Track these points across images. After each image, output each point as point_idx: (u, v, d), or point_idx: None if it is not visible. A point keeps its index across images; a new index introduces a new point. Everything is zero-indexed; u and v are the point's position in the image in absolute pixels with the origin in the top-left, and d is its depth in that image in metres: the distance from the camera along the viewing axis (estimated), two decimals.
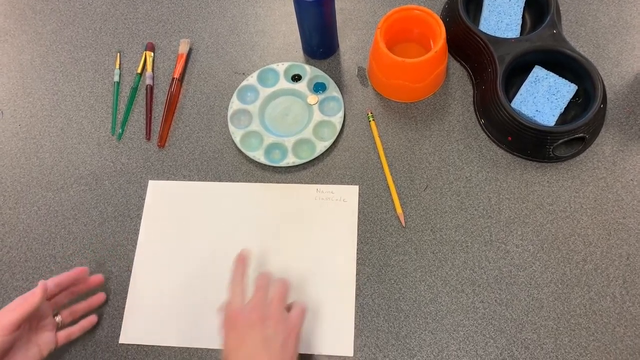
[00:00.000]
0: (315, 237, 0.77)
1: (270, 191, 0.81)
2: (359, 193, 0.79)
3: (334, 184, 0.80)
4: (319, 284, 0.75)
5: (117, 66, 0.91)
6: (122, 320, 0.75)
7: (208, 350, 0.72)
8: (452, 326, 0.71)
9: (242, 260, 0.68)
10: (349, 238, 0.77)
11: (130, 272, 0.77)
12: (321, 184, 0.80)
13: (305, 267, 0.76)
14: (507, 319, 0.71)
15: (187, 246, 0.79)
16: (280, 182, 0.81)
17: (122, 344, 0.73)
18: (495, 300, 0.72)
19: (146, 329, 0.74)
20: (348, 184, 0.80)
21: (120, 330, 0.74)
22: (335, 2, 0.81)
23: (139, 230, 0.80)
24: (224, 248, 0.77)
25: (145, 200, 0.82)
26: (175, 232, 0.80)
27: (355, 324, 0.72)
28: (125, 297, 0.76)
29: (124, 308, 0.75)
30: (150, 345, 0.73)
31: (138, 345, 0.73)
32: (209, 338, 0.73)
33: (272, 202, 0.80)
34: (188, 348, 0.73)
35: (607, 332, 0.69)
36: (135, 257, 0.78)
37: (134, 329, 0.74)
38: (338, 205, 0.79)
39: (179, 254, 0.78)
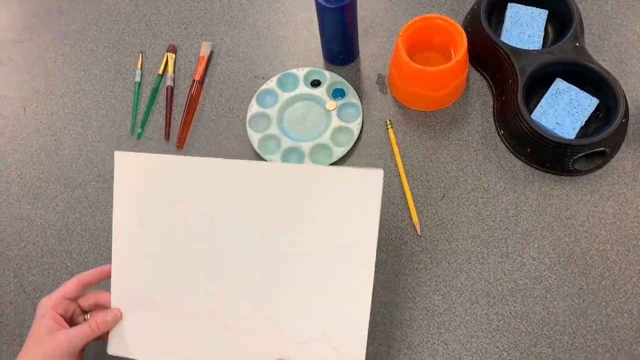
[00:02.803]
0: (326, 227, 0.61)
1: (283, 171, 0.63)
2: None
3: None
4: (329, 280, 0.61)
5: (139, 67, 0.92)
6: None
7: None
8: (466, 337, 0.70)
9: None
10: (368, 232, 0.60)
11: None
12: None
13: (314, 257, 0.61)
14: (522, 332, 0.70)
15: (171, 243, 0.65)
16: None
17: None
18: (510, 313, 0.71)
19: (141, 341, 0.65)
20: None
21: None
22: (357, 9, 0.81)
23: None
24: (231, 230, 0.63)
25: (114, 180, 0.66)
26: (154, 224, 0.65)
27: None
28: None
29: None
30: None
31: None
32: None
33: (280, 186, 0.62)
34: None
35: (624, 350, 0.68)
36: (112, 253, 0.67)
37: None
38: (356, 191, 0.60)
39: (160, 254, 0.65)
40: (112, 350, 0.66)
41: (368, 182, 0.60)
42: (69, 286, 0.63)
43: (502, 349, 0.69)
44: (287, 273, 0.62)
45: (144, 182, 0.65)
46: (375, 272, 0.73)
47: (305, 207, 0.62)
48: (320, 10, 0.78)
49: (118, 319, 0.65)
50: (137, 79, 0.91)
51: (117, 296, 0.65)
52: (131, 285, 0.65)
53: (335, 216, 0.61)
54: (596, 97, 0.79)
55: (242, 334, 0.63)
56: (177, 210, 0.65)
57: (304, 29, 0.93)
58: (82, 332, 0.61)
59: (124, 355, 0.66)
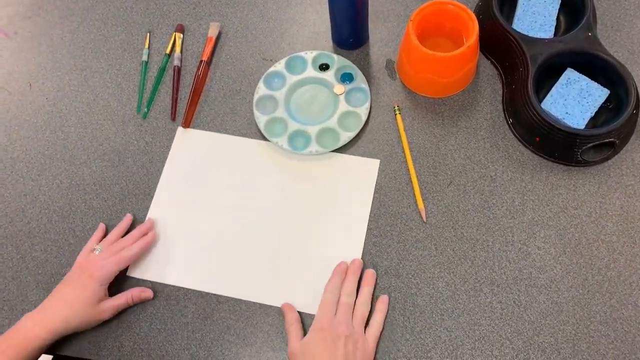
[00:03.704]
0: (327, 201, 0.79)
1: (292, 153, 0.82)
2: (380, 178, 0.79)
3: None
4: (325, 249, 0.76)
5: (146, 46, 0.91)
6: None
7: (216, 295, 0.74)
8: (469, 325, 0.70)
9: (291, 308, 0.72)
10: (362, 208, 0.78)
11: None
12: None
13: (309, 232, 0.78)
14: (525, 321, 0.70)
15: (205, 195, 0.80)
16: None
17: (131, 276, 0.76)
18: (514, 302, 0.71)
19: (156, 266, 0.76)
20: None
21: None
22: None
23: None
24: (239, 202, 0.80)
25: (172, 145, 0.84)
26: (196, 179, 0.82)
27: None
28: None
29: None
30: (158, 283, 0.75)
31: (146, 280, 0.75)
32: (214, 283, 0.75)
33: (291, 163, 0.82)
34: (198, 291, 0.75)
35: (627, 341, 0.68)
36: (153, 198, 0.81)
37: (145, 265, 0.76)
38: (357, 175, 0.80)
39: (196, 201, 0.80)
40: (131, 272, 0.76)
41: (368, 167, 0.80)
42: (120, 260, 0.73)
43: (504, 337, 0.69)
44: (303, 221, 0.78)
45: (193, 148, 0.84)
46: (379, 257, 0.74)
47: (321, 179, 0.80)
48: None
49: (151, 296, 0.74)
50: (144, 58, 0.90)
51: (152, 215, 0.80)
52: (162, 221, 0.79)
53: (344, 184, 0.80)
54: (607, 88, 0.78)
55: (258, 263, 0.76)
56: (216, 169, 0.82)
57: (314, 11, 0.92)
58: (121, 304, 0.72)
59: (141, 277, 0.76)
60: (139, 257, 0.75)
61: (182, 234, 0.78)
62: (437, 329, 0.70)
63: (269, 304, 0.73)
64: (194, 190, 0.81)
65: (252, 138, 0.83)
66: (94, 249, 0.73)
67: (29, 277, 0.77)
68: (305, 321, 0.71)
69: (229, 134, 0.84)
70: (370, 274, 0.73)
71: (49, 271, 0.77)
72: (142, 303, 0.74)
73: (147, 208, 0.80)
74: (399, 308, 0.71)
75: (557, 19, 0.84)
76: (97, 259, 0.72)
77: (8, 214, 0.81)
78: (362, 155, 0.81)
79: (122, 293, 0.73)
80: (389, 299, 0.72)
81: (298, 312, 0.72)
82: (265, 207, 0.79)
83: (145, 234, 0.76)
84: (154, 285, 0.75)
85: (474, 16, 0.78)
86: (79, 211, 0.81)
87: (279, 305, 0.73)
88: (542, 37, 0.81)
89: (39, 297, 0.76)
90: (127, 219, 0.78)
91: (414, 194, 0.77)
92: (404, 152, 0.80)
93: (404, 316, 0.71)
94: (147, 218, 0.79)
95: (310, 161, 0.81)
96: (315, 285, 0.73)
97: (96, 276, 0.70)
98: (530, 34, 0.81)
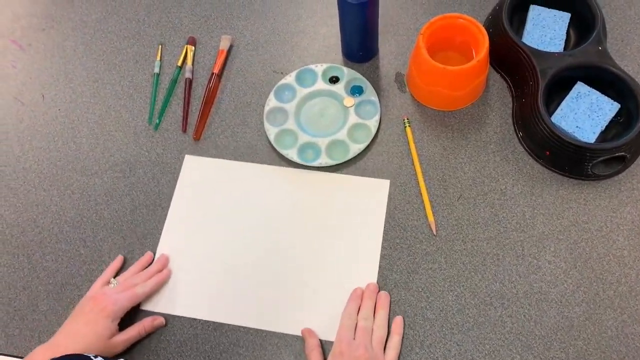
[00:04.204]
0: (338, 225, 0.78)
1: (301, 176, 0.82)
2: (390, 191, 0.79)
3: None
4: (338, 275, 0.76)
5: (158, 58, 0.92)
6: None
7: (230, 326, 0.73)
8: (479, 339, 0.70)
9: (311, 333, 0.71)
10: (374, 232, 0.77)
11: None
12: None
13: (322, 257, 0.77)
14: (536, 335, 0.69)
15: (216, 223, 0.80)
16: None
17: (144, 310, 0.75)
18: (524, 316, 0.70)
19: (169, 298, 0.76)
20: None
21: None
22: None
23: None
24: (251, 228, 0.79)
25: (180, 174, 0.83)
26: (206, 207, 0.81)
27: None
28: None
29: None
30: (170, 315, 0.75)
31: (159, 313, 0.74)
32: (229, 314, 0.74)
33: (301, 187, 0.82)
34: (211, 322, 0.74)
35: (639, 357, 0.67)
36: (163, 229, 0.80)
37: (157, 297, 0.75)
38: (367, 196, 0.79)
39: (207, 229, 0.80)
40: (144, 305, 0.75)
41: (379, 188, 0.80)
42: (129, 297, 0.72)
43: (515, 352, 0.69)
44: (314, 244, 0.78)
45: (202, 177, 0.83)
46: (390, 270, 0.74)
47: (333, 201, 0.80)
48: (343, 6, 0.78)
49: (163, 323, 0.74)
50: (156, 70, 0.91)
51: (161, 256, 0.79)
52: (173, 253, 0.78)
53: (355, 208, 0.80)
54: (617, 101, 0.78)
55: (273, 290, 0.75)
56: (220, 202, 0.81)
57: (324, 25, 0.93)
58: (132, 337, 0.71)
59: (153, 309, 0.75)
60: (153, 294, 0.75)
61: (193, 264, 0.78)
62: (447, 342, 0.70)
63: (285, 332, 0.73)
64: (203, 218, 0.80)
65: (262, 150, 0.84)
66: (110, 282, 0.73)
67: (39, 287, 0.78)
68: (324, 347, 0.70)
69: (239, 145, 0.84)
70: (384, 296, 0.72)
71: (59, 281, 0.78)
72: (154, 335, 0.73)
73: (156, 219, 0.80)
74: (409, 321, 0.71)
75: (567, 32, 0.85)
76: (111, 292, 0.71)
77: (20, 223, 0.82)
78: (372, 167, 0.81)
79: (134, 325, 0.72)
80: (403, 318, 0.72)
81: None
82: (278, 233, 0.79)
83: (160, 271, 0.76)
84: (165, 317, 0.74)
85: (484, 30, 0.78)
86: (90, 221, 0.81)
87: (296, 333, 0.72)
88: (552, 51, 0.81)
89: (49, 306, 0.76)
90: (147, 257, 0.77)
91: (424, 207, 0.77)
92: (413, 164, 0.80)
93: (414, 330, 0.71)
94: (160, 254, 0.78)
95: (321, 184, 0.81)
96: (331, 311, 0.72)
97: (108, 311, 0.69)
98: (540, 48, 0.81)
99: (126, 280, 0.74)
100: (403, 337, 0.71)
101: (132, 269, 0.76)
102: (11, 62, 0.95)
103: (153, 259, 0.78)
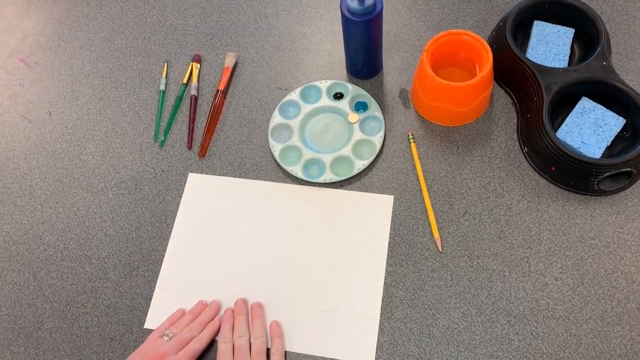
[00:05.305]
0: (343, 241, 0.78)
1: (306, 192, 0.82)
2: (394, 207, 0.79)
3: None
4: (343, 291, 0.75)
5: (164, 75, 0.93)
6: (149, 307, 0.76)
7: None
8: (485, 357, 0.69)
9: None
10: (379, 248, 0.77)
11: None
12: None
13: (327, 274, 0.77)
14: (543, 353, 0.69)
15: (220, 239, 0.80)
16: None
17: (147, 328, 0.75)
18: (531, 333, 0.70)
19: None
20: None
21: (146, 317, 0.75)
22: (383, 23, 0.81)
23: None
24: (256, 245, 0.79)
25: (184, 192, 0.83)
26: (210, 224, 0.81)
27: (385, 347, 0.70)
28: (153, 291, 0.77)
29: (151, 297, 0.77)
30: None
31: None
32: None
33: (305, 203, 0.81)
34: (215, 340, 0.73)
35: None
36: (168, 246, 0.80)
37: (161, 315, 0.75)
38: (372, 213, 0.79)
39: (211, 246, 0.80)
40: (149, 324, 0.75)
41: (383, 204, 0.80)
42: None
43: None
44: (319, 261, 0.77)
45: (206, 194, 0.83)
46: (394, 287, 0.74)
47: (336, 217, 0.80)
48: (346, 23, 0.78)
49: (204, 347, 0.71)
50: (162, 87, 0.92)
51: (164, 280, 0.78)
52: (176, 272, 0.78)
53: (359, 224, 0.79)
54: (623, 116, 0.78)
55: (275, 305, 0.75)
56: (224, 219, 0.81)
57: (328, 41, 0.93)
58: None
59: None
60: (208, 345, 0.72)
61: (198, 281, 0.77)
62: None
63: (288, 350, 0.72)
64: (208, 235, 0.80)
65: (267, 167, 0.84)
66: (165, 334, 0.71)
67: (45, 305, 0.78)
68: None
69: (244, 162, 0.84)
70: (256, 306, 0.73)
71: (64, 299, 0.78)
72: None
73: (161, 237, 0.80)
74: (414, 339, 0.71)
75: (571, 48, 0.85)
76: (168, 351, 0.68)
77: (26, 240, 0.82)
78: (377, 183, 0.81)
79: None
80: (405, 328, 0.71)
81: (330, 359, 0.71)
82: (282, 249, 0.78)
83: (212, 319, 0.74)
84: None
85: (488, 46, 0.78)
86: (96, 239, 0.81)
87: (300, 351, 0.72)
88: (556, 66, 0.81)
89: (54, 324, 0.76)
90: (200, 305, 0.75)
91: (429, 223, 0.77)
92: (418, 180, 0.80)
93: (420, 347, 0.70)
94: (212, 301, 0.76)
95: (326, 200, 0.81)
96: (336, 328, 0.73)
97: None
98: (545, 64, 0.81)
99: (182, 333, 0.71)
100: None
101: (186, 318, 0.73)
102: (19, 80, 0.96)
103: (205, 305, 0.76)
